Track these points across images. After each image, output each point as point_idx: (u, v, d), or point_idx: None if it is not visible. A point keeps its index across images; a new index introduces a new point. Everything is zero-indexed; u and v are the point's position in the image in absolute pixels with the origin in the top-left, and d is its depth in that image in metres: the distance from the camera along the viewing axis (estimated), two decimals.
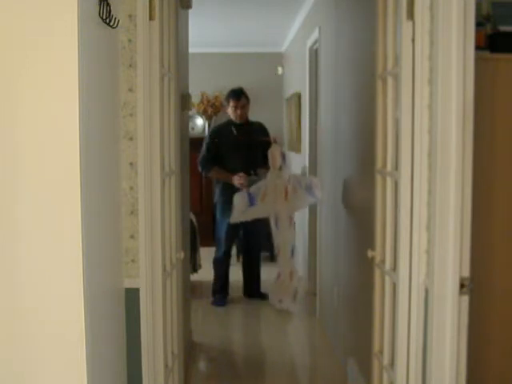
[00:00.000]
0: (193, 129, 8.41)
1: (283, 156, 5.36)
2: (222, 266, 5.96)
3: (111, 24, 2.13)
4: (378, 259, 2.62)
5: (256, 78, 8.54)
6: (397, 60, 2.37)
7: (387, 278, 2.53)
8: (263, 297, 5.94)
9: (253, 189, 5.39)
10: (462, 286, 2.11)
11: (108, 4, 2.08)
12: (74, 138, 1.80)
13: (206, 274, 6.23)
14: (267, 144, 5.85)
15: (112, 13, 2.12)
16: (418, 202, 2.27)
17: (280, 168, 5.30)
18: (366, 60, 3.38)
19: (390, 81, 2.47)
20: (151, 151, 2.49)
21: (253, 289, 6.05)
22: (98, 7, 2.04)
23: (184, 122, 4.19)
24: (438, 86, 2.11)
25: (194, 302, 5.36)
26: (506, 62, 2.65)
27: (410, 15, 2.23)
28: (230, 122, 5.97)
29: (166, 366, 2.68)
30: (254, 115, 6.25)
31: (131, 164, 2.47)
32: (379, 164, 2.60)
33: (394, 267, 2.44)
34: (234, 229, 5.83)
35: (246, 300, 6.02)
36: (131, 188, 2.48)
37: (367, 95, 3.27)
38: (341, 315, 4.35)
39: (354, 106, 3.93)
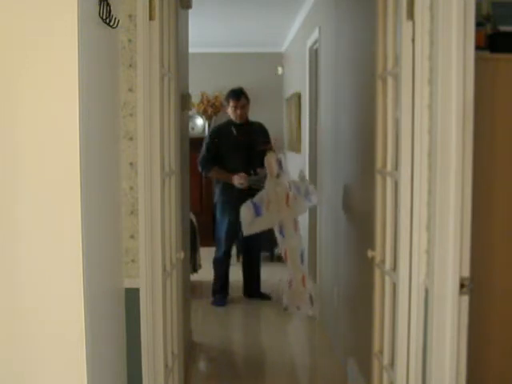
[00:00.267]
0: (193, 129, 8.41)
1: (279, 163, 5.34)
2: (221, 266, 5.96)
3: (111, 24, 2.13)
4: (377, 259, 2.62)
5: (256, 78, 8.54)
6: (397, 60, 2.37)
7: (387, 278, 2.53)
8: (263, 297, 5.94)
9: (256, 198, 5.38)
10: (462, 285, 2.11)
11: (108, 4, 2.08)
12: (74, 138, 1.80)
13: (206, 274, 6.23)
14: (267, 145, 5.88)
15: (112, 13, 2.12)
16: (418, 202, 2.27)
17: (278, 175, 5.30)
18: (366, 60, 3.38)
19: (390, 81, 2.47)
20: (151, 151, 2.49)
21: (253, 289, 6.05)
22: (98, 7, 2.04)
23: (184, 122, 4.19)
24: (438, 86, 2.11)
25: (194, 302, 5.36)
26: (506, 61, 2.65)
27: (410, 15, 2.23)
28: (229, 122, 5.97)
29: (166, 365, 2.68)
30: (253, 115, 6.25)
31: (131, 164, 2.47)
32: (379, 164, 2.60)
33: (394, 267, 2.44)
34: (233, 229, 5.83)
35: (246, 300, 6.02)
36: (131, 188, 2.48)
37: (367, 95, 3.27)
38: (341, 315, 4.35)
39: (353, 106, 3.93)
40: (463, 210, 2.11)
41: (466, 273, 2.13)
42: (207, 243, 6.91)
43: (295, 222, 5.36)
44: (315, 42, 5.57)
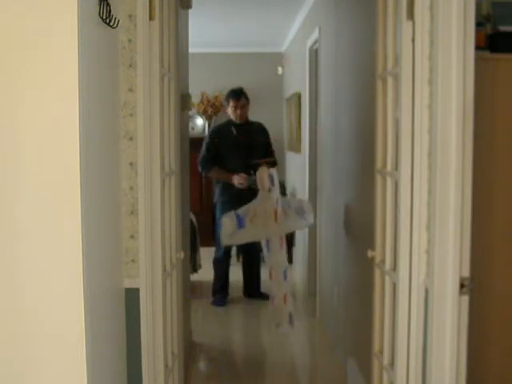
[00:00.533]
0: (193, 129, 8.41)
1: (271, 178, 5.31)
2: (221, 266, 5.96)
3: (111, 24, 2.13)
4: (378, 259, 2.62)
5: (256, 78, 8.54)
6: (397, 60, 2.37)
7: (387, 278, 2.53)
8: (263, 297, 5.94)
9: (241, 210, 5.33)
10: (462, 285, 2.11)
11: (108, 4, 2.08)
12: (74, 138, 1.80)
13: (206, 274, 6.23)
14: (267, 145, 5.88)
15: (112, 13, 2.12)
16: (418, 202, 2.27)
17: (269, 190, 5.28)
18: (366, 60, 3.38)
19: (390, 81, 2.47)
20: (151, 151, 2.49)
21: (253, 289, 6.05)
22: (98, 7, 2.04)
23: (184, 122, 4.19)
24: (438, 86, 2.11)
25: (194, 302, 5.36)
26: (506, 61, 2.65)
27: (410, 15, 2.23)
28: (229, 122, 5.97)
29: (166, 365, 2.68)
30: (253, 115, 6.25)
31: (131, 164, 2.47)
32: (379, 164, 2.60)
33: (394, 267, 2.44)
34: None
35: (245, 300, 6.02)
36: (131, 188, 2.48)
37: (367, 95, 3.27)
38: (341, 315, 4.35)
39: (354, 106, 3.93)
40: (463, 210, 2.11)
41: (466, 273, 2.13)
42: (207, 243, 6.91)
43: (281, 239, 5.32)
44: (315, 42, 5.57)
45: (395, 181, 2.41)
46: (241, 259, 6.38)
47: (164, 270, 2.61)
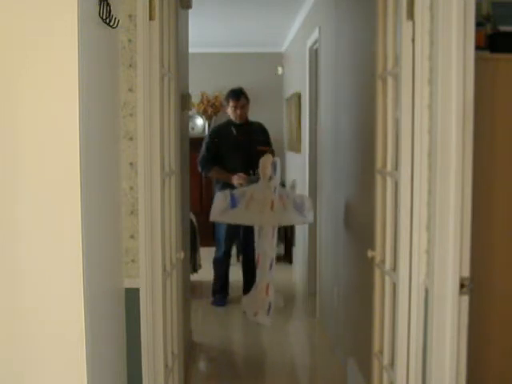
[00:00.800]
0: (193, 129, 8.41)
1: (274, 166, 5.32)
2: (221, 266, 5.96)
3: (111, 24, 2.13)
4: (378, 259, 2.62)
5: (256, 78, 8.54)
6: (397, 60, 2.37)
7: (387, 278, 2.53)
8: None
9: (237, 191, 5.34)
10: (462, 285, 2.11)
11: (108, 4, 2.08)
12: (74, 138, 1.80)
13: (206, 273, 6.23)
14: (267, 145, 5.87)
15: (112, 13, 2.12)
16: (418, 202, 2.27)
17: (270, 178, 5.28)
18: (366, 60, 3.38)
19: (390, 81, 2.47)
20: (151, 151, 2.49)
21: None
22: (98, 7, 2.04)
23: (184, 122, 4.19)
24: (438, 86, 2.11)
25: (194, 302, 5.36)
26: (506, 61, 2.65)
27: (410, 15, 2.23)
28: (229, 122, 5.97)
29: (166, 365, 2.68)
30: (253, 115, 6.25)
31: (131, 164, 2.47)
32: (379, 164, 2.60)
33: (394, 267, 2.44)
34: (233, 229, 5.83)
35: None
36: (131, 188, 2.48)
37: (367, 95, 3.27)
38: (341, 315, 4.35)
39: (354, 106, 3.93)
40: (463, 210, 2.11)
41: (466, 273, 2.13)
42: (207, 243, 6.91)
43: (273, 229, 5.33)
44: (315, 42, 5.57)
45: (395, 181, 2.41)
46: (241, 259, 6.38)
47: (164, 270, 2.61)
